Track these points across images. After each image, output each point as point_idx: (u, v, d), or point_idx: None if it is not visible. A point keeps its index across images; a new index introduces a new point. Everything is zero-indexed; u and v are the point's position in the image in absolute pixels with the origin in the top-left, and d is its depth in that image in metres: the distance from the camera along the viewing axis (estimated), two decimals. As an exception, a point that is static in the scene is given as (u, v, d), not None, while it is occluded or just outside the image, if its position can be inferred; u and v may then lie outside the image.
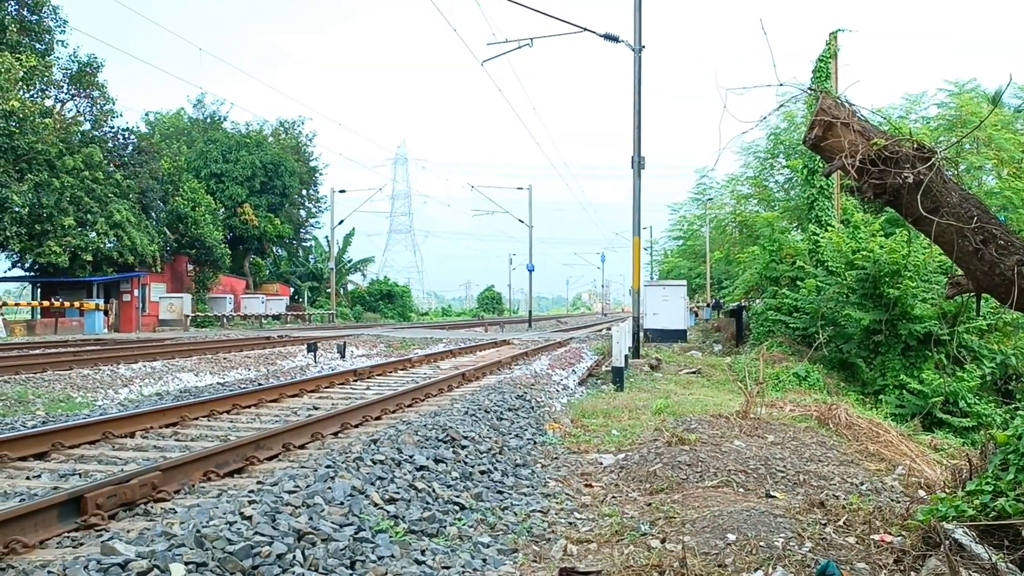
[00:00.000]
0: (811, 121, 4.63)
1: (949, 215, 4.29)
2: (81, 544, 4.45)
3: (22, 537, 4.29)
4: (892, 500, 6.12)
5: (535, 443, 8.41)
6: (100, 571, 3.56)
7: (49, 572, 3.64)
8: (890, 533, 4.84)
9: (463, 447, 7.11)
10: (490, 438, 7.79)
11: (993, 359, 17.14)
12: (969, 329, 17.38)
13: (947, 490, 5.24)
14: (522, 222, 51.71)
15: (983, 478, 4.62)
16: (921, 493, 6.41)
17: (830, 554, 4.54)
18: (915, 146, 4.36)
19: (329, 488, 5.09)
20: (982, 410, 15.19)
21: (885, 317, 17.51)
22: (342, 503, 4.91)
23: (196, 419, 9.00)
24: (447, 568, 4.37)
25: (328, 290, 58.34)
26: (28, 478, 6.11)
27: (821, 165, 22.17)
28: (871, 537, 4.80)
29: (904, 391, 16.48)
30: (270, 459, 6.87)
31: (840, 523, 5.12)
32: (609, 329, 29.68)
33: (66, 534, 4.60)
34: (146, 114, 59.01)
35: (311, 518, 4.49)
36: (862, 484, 6.70)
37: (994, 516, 4.27)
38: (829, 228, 21.70)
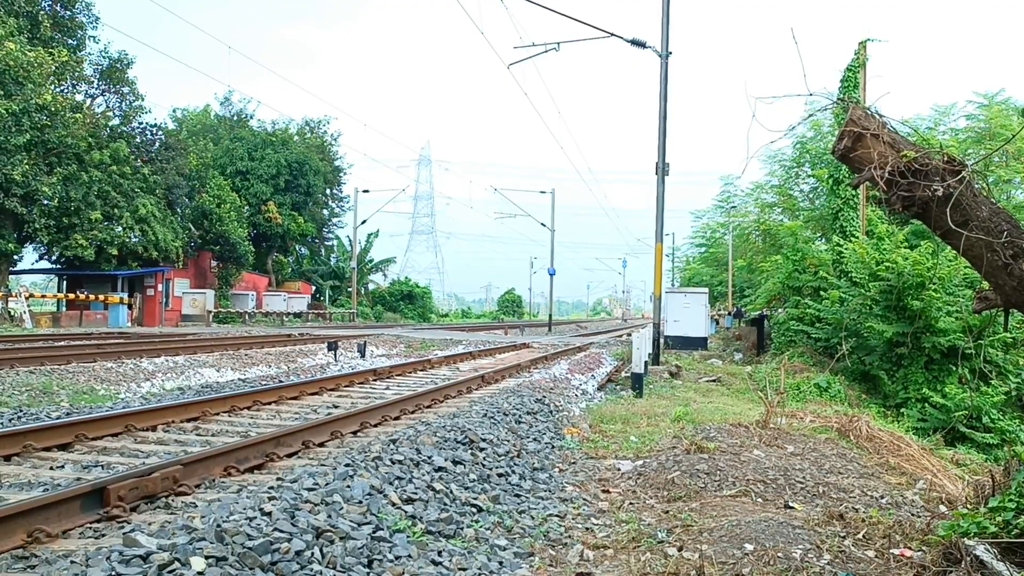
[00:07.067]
0: (840, 131, 4.60)
1: (979, 229, 4.24)
2: (103, 535, 4.50)
3: (46, 527, 4.36)
4: (912, 515, 6.06)
5: (553, 447, 8.41)
6: (122, 562, 3.60)
7: (72, 562, 3.69)
8: (910, 548, 4.80)
9: (481, 449, 7.12)
10: (508, 441, 7.80)
11: (1018, 375, 16.94)
12: (994, 343, 17.18)
13: (969, 506, 5.18)
14: (544, 225, 51.66)
15: (1006, 495, 4.57)
16: (942, 508, 6.34)
17: (848, 567, 4.50)
18: (945, 159, 4.33)
19: (348, 486, 5.11)
20: (1006, 426, 15.00)
21: (909, 330, 17.35)
22: (360, 502, 4.93)
23: (217, 415, 9.08)
24: (464, 570, 4.38)
25: (349, 289, 58.57)
26: (52, 468, 6.20)
27: (847, 175, 22.02)
28: (890, 551, 4.76)
29: (927, 405, 16.32)
30: (290, 456, 6.93)
31: (859, 536, 5.08)
32: (629, 335, 29.63)
33: (88, 525, 4.66)
34: (174, 110, 59.52)
35: (330, 516, 4.51)
36: (882, 497, 6.63)
37: (1016, 533, 4.22)
38: (854, 239, 21.55)
